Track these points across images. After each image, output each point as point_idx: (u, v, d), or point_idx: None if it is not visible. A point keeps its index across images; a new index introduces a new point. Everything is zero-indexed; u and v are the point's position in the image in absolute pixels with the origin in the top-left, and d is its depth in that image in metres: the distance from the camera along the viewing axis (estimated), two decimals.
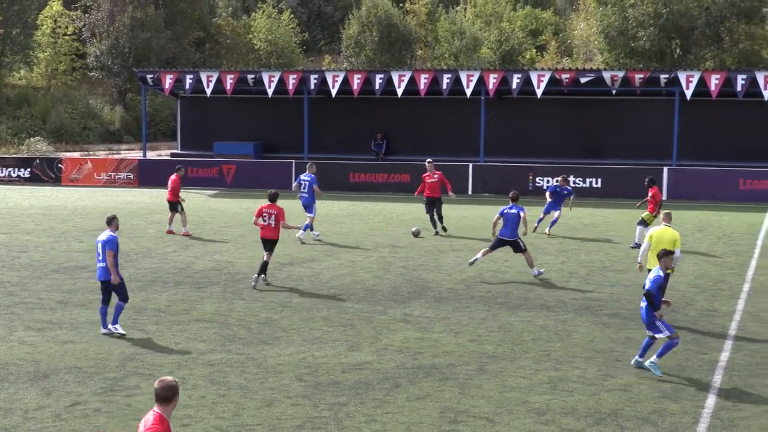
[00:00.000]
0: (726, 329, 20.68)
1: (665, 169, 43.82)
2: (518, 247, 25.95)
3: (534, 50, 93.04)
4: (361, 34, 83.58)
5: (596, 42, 78.63)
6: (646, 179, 31.19)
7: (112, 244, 19.40)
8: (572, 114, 48.82)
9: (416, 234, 32.29)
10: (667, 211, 22.02)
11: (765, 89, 42.48)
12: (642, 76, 44.59)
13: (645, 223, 29.96)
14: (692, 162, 45.64)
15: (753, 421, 15.10)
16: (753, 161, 45.21)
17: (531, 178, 44.93)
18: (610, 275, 26.25)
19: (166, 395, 9.88)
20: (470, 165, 46.17)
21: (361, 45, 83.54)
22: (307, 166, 33.28)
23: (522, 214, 25.70)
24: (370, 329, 20.38)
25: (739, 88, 42.84)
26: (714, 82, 43.09)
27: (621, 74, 44.83)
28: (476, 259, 26.57)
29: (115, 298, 19.95)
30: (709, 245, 31.10)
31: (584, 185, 44.23)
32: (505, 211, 25.85)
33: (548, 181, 44.02)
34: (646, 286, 17.50)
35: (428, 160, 33.99)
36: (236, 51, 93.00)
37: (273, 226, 24.61)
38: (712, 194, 42.82)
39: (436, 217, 32.92)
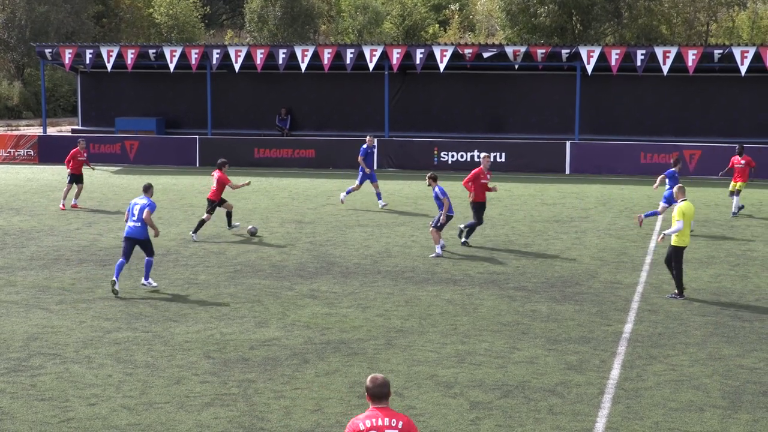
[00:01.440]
0: (629, 301, 21.03)
1: (567, 143, 44.31)
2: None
3: (437, 25, 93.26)
4: (264, 8, 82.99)
5: (498, 18, 79.16)
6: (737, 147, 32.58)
7: (151, 207, 21.52)
8: (476, 89, 49.08)
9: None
10: (680, 185, 21.98)
11: (664, 64, 43.15)
12: (544, 51, 44.98)
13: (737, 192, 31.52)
14: (594, 136, 46.23)
15: (656, 391, 15.38)
16: (653, 135, 45.94)
17: (436, 152, 45.10)
18: (514, 249, 26.50)
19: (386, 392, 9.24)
20: (375, 141, 46.19)
21: (264, 19, 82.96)
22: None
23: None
24: (278, 305, 20.32)
25: (639, 63, 43.45)
26: (614, 57, 43.64)
27: (523, 49, 45.17)
28: (441, 247, 26.03)
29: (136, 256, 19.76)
30: (612, 218, 31.56)
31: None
32: (445, 191, 26.07)
33: (452, 156, 44.18)
34: None
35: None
36: (136, 25, 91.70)
37: (214, 188, 27.83)
38: (614, 168, 43.45)
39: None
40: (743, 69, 42.67)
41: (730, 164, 32.99)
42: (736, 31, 78.20)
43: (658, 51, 43.58)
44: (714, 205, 34.37)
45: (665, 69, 43.26)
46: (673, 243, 21.12)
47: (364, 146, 34.04)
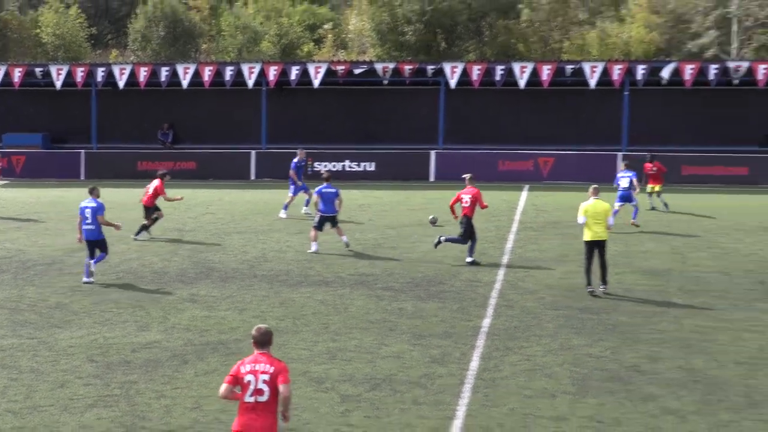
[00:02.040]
0: (488, 297, 21.32)
1: (432, 152, 44.74)
2: (335, 221, 26.59)
3: (312, 44, 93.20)
4: (148, 28, 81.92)
5: (369, 37, 79.54)
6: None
7: (101, 210, 22.52)
8: (348, 103, 49.22)
9: (434, 223, 29.94)
10: (595, 185, 22.27)
11: (521, 78, 43.84)
12: (411, 67, 45.39)
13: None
14: (457, 146, 46.71)
15: (512, 380, 15.64)
16: (510, 144, 46.61)
17: (310, 162, 45.07)
18: (383, 252, 26.64)
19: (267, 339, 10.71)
20: (253, 152, 46.00)
21: (148, 39, 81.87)
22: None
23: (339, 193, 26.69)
24: (159, 310, 20.09)
25: (498, 78, 44.09)
26: (476, 72, 44.23)
27: (392, 66, 45.54)
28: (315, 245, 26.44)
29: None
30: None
31: (359, 169, 44.69)
32: (323, 191, 26.56)
33: (325, 166, 44.20)
34: None
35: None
36: (24, 45, 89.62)
37: (150, 195, 28.53)
38: (475, 175, 43.82)
39: None
40: (593, 82, 43.68)
41: (644, 170, 34.29)
42: (587, 48, 79.77)
43: (516, 66, 44.32)
44: (568, 208, 35.06)
45: (522, 83, 43.99)
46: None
47: (296, 160, 33.59)
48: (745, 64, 43.69)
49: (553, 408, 14.38)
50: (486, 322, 19.20)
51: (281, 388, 10.44)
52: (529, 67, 44.17)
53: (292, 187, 33.33)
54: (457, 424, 13.77)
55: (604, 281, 21.70)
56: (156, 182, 28.73)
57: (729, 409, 14.34)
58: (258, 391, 10.47)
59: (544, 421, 13.87)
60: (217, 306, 20.43)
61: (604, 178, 41.83)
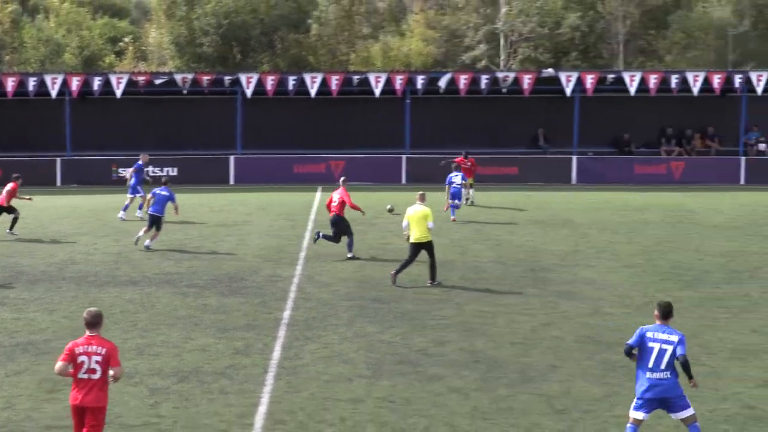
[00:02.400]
0: (287, 291, 21.29)
1: (231, 157, 44.35)
2: (160, 223, 26.61)
3: (113, 56, 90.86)
4: None
5: (168, 49, 78.20)
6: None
7: (172, 198, 26.32)
8: (150, 111, 48.14)
9: (391, 211, 29.30)
10: (421, 192, 22.75)
11: (312, 88, 43.91)
12: (209, 78, 44.86)
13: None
14: (254, 151, 46.38)
15: (312, 367, 15.68)
16: (304, 149, 46.62)
17: (114, 168, 43.97)
18: (187, 251, 26.21)
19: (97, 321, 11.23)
20: (58, 159, 44.47)
21: None
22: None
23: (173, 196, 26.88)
24: None
25: (290, 87, 44.07)
26: (270, 82, 44.07)
27: (190, 76, 44.92)
28: (139, 236, 26.64)
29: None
30: (271, 221, 31.82)
31: (162, 173, 43.84)
32: (157, 192, 26.77)
33: (149, 171, 43.07)
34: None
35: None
36: None
37: (4, 196, 28.67)
38: (272, 178, 43.80)
39: None
40: (377, 91, 44.24)
41: (458, 162, 34.87)
42: (372, 60, 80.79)
43: (307, 77, 44.45)
44: None
45: (313, 92, 44.11)
46: None
47: (140, 163, 32.93)
48: (512, 75, 45.28)
49: (351, 391, 14.49)
50: (286, 314, 19.17)
51: (114, 371, 11.09)
52: (319, 77, 44.39)
53: (138, 188, 32.31)
54: (262, 410, 13.69)
55: (431, 278, 21.99)
56: (10, 185, 28.99)
57: (507, 385, 14.79)
58: (91, 371, 11.08)
59: (343, 404, 13.96)
60: (26, 308, 19.64)
61: (392, 179, 42.83)
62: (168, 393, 14.33)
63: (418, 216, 21.87)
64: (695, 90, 43.73)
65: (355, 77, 45.02)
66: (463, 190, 32.36)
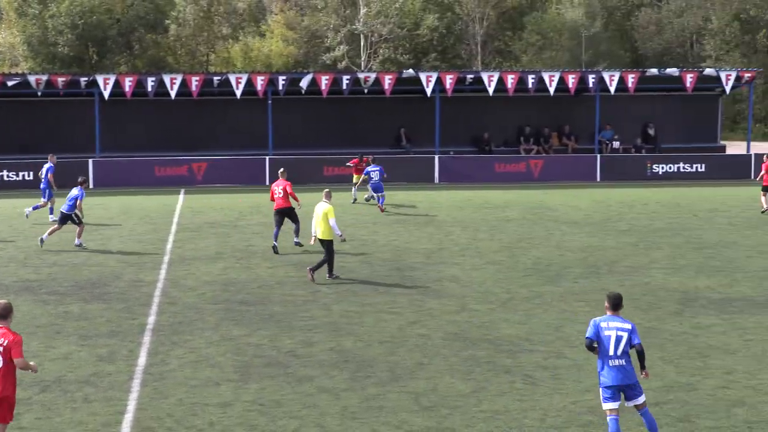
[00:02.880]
0: (152, 296, 20.93)
1: (90, 161, 43.31)
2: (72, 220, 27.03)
3: None
4: None
5: (21, 50, 75.83)
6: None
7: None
8: (2, 114, 46.61)
9: (369, 200, 30.96)
10: (327, 189, 23.43)
11: (171, 89, 43.24)
12: (64, 79, 43.68)
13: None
14: (114, 153, 45.46)
15: (179, 372, 15.45)
16: (165, 151, 45.92)
17: None
18: (47, 257, 25.49)
19: (3, 314, 11.58)
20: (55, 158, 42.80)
21: None
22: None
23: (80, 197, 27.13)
24: None
25: (149, 89, 43.29)
26: (128, 84, 43.19)
27: (45, 78, 43.62)
28: (43, 239, 26.93)
29: None
30: (134, 225, 31.22)
31: (18, 178, 42.56)
32: (72, 191, 27.25)
33: None
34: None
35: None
36: None
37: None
38: (133, 181, 42.99)
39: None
40: (239, 92, 43.85)
41: (351, 162, 37.25)
42: (232, 61, 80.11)
43: (166, 78, 43.71)
44: (221, 209, 35.05)
45: (173, 93, 43.47)
46: None
47: (50, 165, 32.46)
48: (373, 75, 45.50)
49: (219, 395, 14.35)
50: (151, 320, 18.84)
51: (16, 361, 11.46)
52: (179, 78, 43.69)
53: (47, 191, 31.94)
54: (129, 417, 13.43)
55: (328, 272, 22.63)
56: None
57: (376, 384, 14.88)
58: None
59: (211, 408, 13.80)
60: None
61: (255, 180, 42.54)
62: (30, 404, 13.91)
63: (319, 213, 22.43)
64: (551, 90, 44.83)
65: (216, 78, 44.55)
66: (382, 184, 34.55)
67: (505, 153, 47.32)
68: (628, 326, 12.37)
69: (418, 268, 24.00)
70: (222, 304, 20.18)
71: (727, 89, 47.31)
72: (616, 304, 12.61)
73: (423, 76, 45.04)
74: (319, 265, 22.50)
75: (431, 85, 44.59)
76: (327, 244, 22.42)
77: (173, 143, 46.47)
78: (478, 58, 78.56)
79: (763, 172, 34.06)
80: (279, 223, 26.21)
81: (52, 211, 31.99)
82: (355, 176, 37.58)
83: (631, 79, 45.20)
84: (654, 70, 47.12)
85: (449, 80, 44.61)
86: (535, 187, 41.80)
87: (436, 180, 44.35)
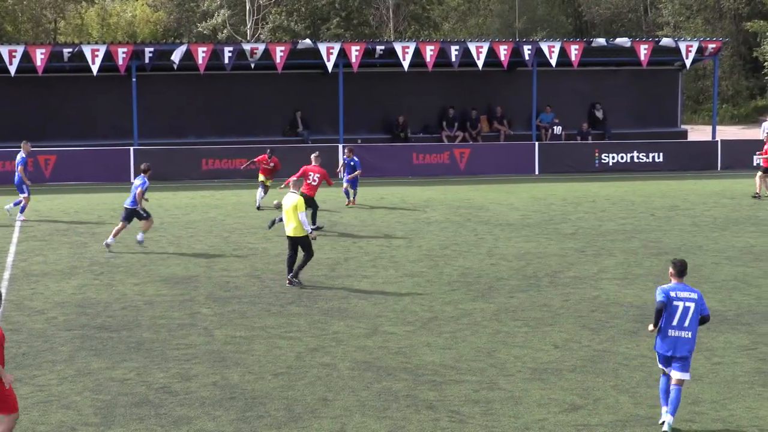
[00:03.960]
0: None
1: None
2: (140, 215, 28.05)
3: None
4: None
5: None
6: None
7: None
8: None
9: (279, 207, 29.72)
10: (295, 179, 24.89)
11: (11, 65, 42.53)
12: None
13: None
14: None
15: (24, 416, 15.21)
16: (3, 141, 45.12)
17: None
18: None
19: None
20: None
21: None
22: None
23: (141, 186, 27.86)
24: None
25: None
26: None
27: None
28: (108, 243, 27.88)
29: None
30: None
31: None
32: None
33: None
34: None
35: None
36: None
37: None
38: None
39: None
40: (95, 68, 43.20)
41: (259, 162, 36.19)
42: (86, 29, 79.26)
43: (4, 50, 42.93)
44: (75, 212, 34.61)
45: (12, 69, 42.72)
46: None
47: (24, 155, 33.43)
48: (261, 47, 45.11)
49: None
50: None
51: None
52: (20, 51, 42.94)
53: (24, 186, 33.07)
54: None
55: (294, 275, 23.60)
56: None
57: (269, 425, 14.84)
58: None
59: None
60: None
61: (119, 177, 42.10)
62: None
63: (289, 206, 23.35)
64: (479, 64, 45.25)
65: (66, 51, 43.87)
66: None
67: (425, 141, 47.67)
68: (695, 296, 14.45)
69: (319, 283, 24.01)
70: (77, 330, 19.93)
71: (688, 63, 48.34)
72: (681, 270, 14.64)
73: (323, 48, 45.06)
74: (301, 267, 23.70)
75: (333, 58, 44.66)
76: (301, 242, 23.47)
77: (12, 131, 45.65)
78: (390, 26, 78.93)
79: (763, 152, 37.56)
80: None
81: (16, 203, 33.37)
82: (261, 176, 36.20)
83: (574, 51, 45.88)
84: (601, 41, 47.92)
85: (355, 53, 44.73)
86: (461, 182, 42.18)
87: (340, 174, 44.44)
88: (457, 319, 20.85)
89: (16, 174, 33.11)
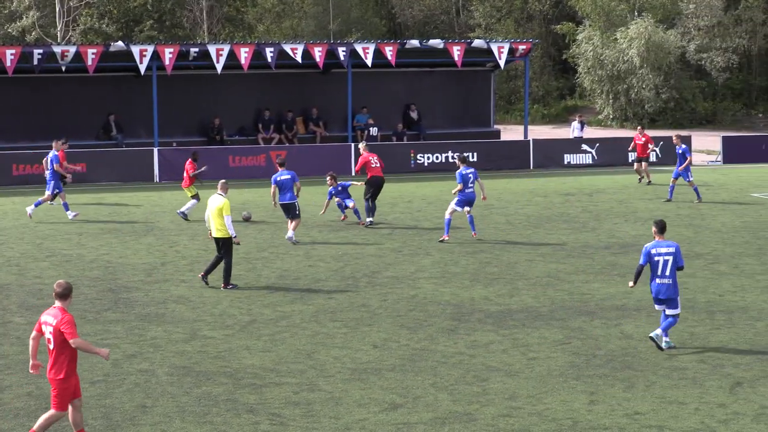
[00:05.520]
0: None
1: None
2: (294, 211, 29.12)
3: None
4: None
5: None
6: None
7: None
8: None
9: (247, 219, 30.83)
10: (223, 180, 24.56)
11: None
12: None
13: None
14: None
15: None
16: None
17: None
18: None
19: (65, 293, 13.72)
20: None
21: None
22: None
23: (296, 180, 29.21)
24: None
25: None
26: None
27: None
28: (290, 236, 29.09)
29: None
30: None
31: None
32: (278, 179, 29.30)
33: None
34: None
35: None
36: None
37: None
38: None
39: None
40: None
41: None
42: None
43: None
44: None
45: None
46: None
47: (56, 153, 34.11)
48: (72, 49, 44.17)
49: None
50: None
51: (72, 342, 13.41)
52: None
53: (52, 183, 34.01)
54: None
55: (224, 281, 23.77)
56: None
57: None
58: (48, 340, 13.61)
59: None
60: None
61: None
62: None
63: (215, 208, 23.61)
64: (295, 65, 45.28)
65: None
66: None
67: (241, 143, 47.49)
68: (673, 249, 18.19)
69: (136, 289, 23.71)
70: None
71: (502, 64, 49.33)
72: (662, 227, 18.42)
73: (135, 50, 44.47)
74: (213, 267, 23.99)
75: (146, 61, 44.14)
76: (223, 243, 23.70)
77: None
78: (204, 27, 78.40)
79: (636, 142, 42.24)
80: (375, 195, 32.26)
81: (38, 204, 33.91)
82: (186, 189, 33.89)
83: (389, 53, 46.36)
84: (415, 42, 48.58)
85: (169, 55, 44.25)
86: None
87: (156, 179, 43.95)
88: (276, 321, 20.85)
89: (50, 171, 34.03)
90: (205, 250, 28.22)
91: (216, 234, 23.82)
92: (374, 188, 32.29)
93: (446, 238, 29.35)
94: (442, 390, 16.52)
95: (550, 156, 48.42)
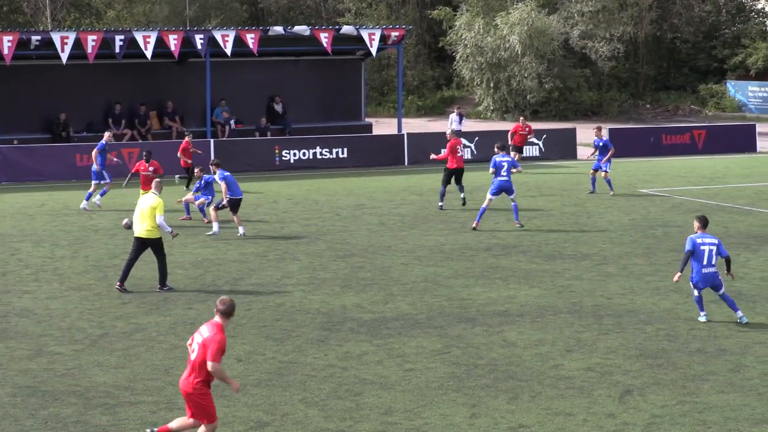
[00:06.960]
0: None
1: None
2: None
3: None
4: None
5: None
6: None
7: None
8: None
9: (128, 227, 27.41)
10: (158, 179, 24.94)
11: None
12: None
13: None
14: None
15: None
16: None
17: None
18: None
19: (228, 311, 14.51)
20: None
21: None
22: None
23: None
24: None
25: None
26: None
27: None
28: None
29: None
30: None
31: None
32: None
33: None
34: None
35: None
36: None
37: None
38: None
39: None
40: None
41: (134, 169, 35.67)
42: None
43: None
44: None
45: None
46: None
47: (103, 142, 36.52)
48: None
49: None
50: None
51: (209, 366, 14.05)
52: None
53: (105, 173, 36.10)
54: None
55: (161, 283, 24.28)
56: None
57: None
58: (193, 350, 14.28)
59: None
60: None
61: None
62: None
63: (147, 207, 23.83)
64: (148, 54, 44.82)
65: None
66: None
67: (90, 140, 46.84)
68: (716, 241, 21.03)
69: None
70: None
71: (374, 51, 49.45)
72: (705, 222, 21.28)
73: None
74: (127, 272, 24.20)
75: None
76: (153, 244, 24.08)
77: None
78: (47, 14, 77.13)
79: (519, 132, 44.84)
80: (447, 182, 35.46)
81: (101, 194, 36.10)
82: (142, 191, 32.19)
83: (250, 40, 46.16)
84: (279, 29, 48.39)
85: (7, 44, 43.50)
86: (130, 183, 41.61)
87: None
88: (130, 334, 20.65)
89: (98, 161, 36.13)
90: (50, 257, 27.80)
91: (145, 235, 23.93)
92: (453, 176, 35.72)
93: (476, 225, 31.68)
94: (313, 406, 16.53)
95: (426, 151, 48.62)
